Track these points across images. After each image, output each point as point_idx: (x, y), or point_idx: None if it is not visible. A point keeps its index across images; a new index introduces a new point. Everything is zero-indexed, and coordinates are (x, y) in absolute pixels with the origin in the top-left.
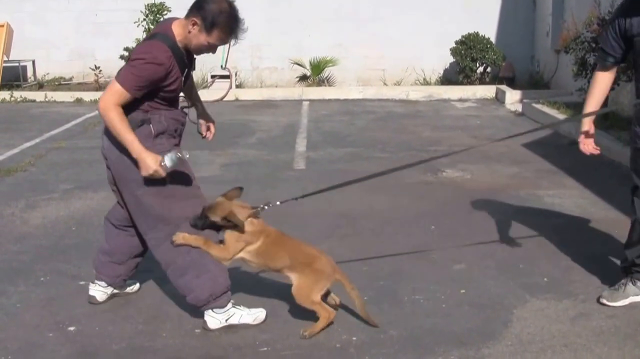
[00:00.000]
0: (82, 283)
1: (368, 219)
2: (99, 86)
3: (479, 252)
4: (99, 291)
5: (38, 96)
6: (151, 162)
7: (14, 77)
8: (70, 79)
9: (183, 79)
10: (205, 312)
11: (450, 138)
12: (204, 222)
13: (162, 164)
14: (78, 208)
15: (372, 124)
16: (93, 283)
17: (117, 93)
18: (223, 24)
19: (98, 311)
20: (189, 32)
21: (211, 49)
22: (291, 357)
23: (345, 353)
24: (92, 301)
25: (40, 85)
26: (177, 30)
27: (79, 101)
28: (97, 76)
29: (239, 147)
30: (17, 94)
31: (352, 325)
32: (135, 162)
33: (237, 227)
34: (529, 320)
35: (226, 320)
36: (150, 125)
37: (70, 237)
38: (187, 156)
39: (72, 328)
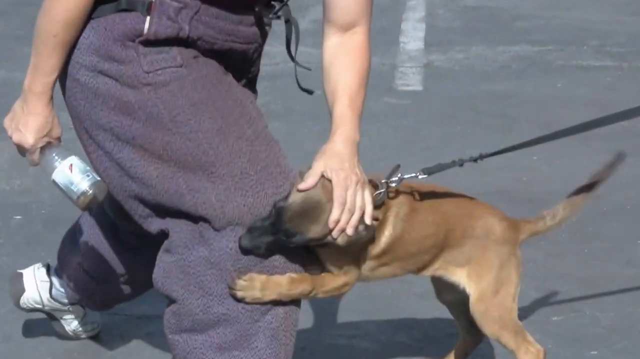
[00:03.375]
0: None
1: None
2: None
3: None
4: (40, 295)
5: None
6: (32, 128)
7: None
8: None
9: None
10: None
11: None
12: (274, 240)
13: (52, 155)
14: None
15: None
16: (48, 277)
17: None
18: None
19: None
20: None
21: None
22: None
23: None
24: (13, 293)
25: None
26: None
27: None
28: None
29: (275, 38)
30: None
31: None
32: (104, 91)
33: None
34: None
35: None
36: (147, 18)
37: None
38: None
39: None
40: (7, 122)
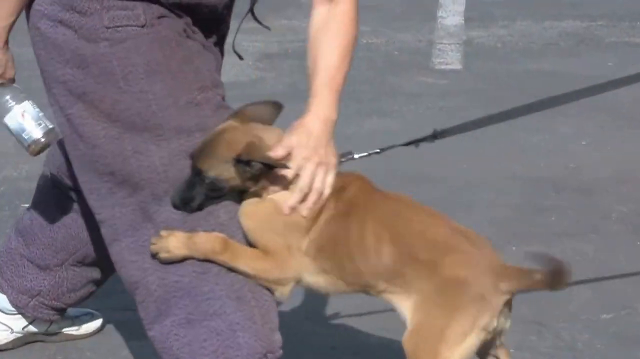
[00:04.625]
0: None
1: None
2: None
3: None
4: None
5: None
6: None
7: None
8: None
9: None
10: None
11: None
12: (196, 191)
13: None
14: None
15: None
16: None
17: None
18: None
19: None
20: None
21: None
22: None
23: None
24: None
25: None
26: None
27: None
28: None
29: (303, 12)
30: None
31: None
32: (61, 42)
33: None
34: None
35: None
36: None
37: None
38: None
39: None
40: None
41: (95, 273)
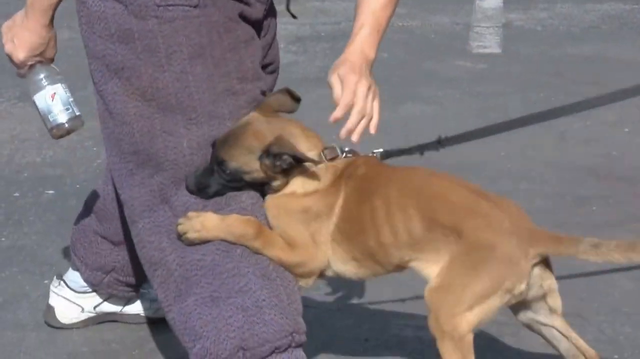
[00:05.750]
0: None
1: None
2: None
3: None
4: (65, 299)
5: None
6: (25, 44)
7: None
8: None
9: None
10: None
11: None
12: (214, 179)
13: (39, 76)
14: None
15: None
16: (59, 279)
17: None
18: None
19: None
20: None
21: None
22: None
23: None
24: (49, 321)
25: None
26: None
27: None
28: None
29: None
30: None
31: None
32: (109, 15)
33: (298, 175)
34: None
35: None
36: None
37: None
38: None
39: None
40: (4, 28)
41: None
